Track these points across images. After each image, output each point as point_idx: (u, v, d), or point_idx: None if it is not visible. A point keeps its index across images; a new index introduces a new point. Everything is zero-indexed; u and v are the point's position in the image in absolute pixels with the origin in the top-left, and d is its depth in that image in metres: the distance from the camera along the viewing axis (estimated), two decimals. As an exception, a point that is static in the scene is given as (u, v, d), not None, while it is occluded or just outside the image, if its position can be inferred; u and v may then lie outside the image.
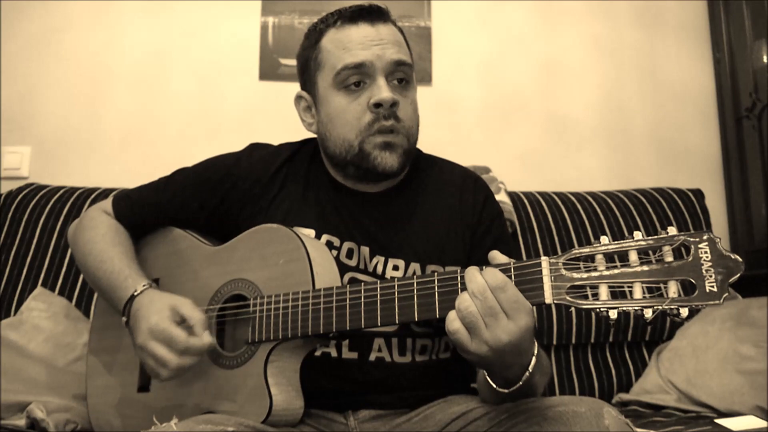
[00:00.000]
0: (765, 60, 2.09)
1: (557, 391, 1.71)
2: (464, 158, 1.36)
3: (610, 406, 0.84)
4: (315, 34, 1.10)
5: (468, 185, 1.16)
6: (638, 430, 1.06)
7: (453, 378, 1.10)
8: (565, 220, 1.86)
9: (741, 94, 2.20)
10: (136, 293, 1.03)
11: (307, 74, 1.12)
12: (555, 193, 1.94)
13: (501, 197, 1.83)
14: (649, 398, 1.59)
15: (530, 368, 0.83)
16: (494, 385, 0.85)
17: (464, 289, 0.78)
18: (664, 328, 1.78)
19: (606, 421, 0.80)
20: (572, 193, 1.95)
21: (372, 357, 1.04)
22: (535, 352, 0.83)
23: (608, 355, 1.78)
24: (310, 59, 1.10)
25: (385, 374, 1.04)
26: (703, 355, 1.56)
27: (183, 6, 2.20)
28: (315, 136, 1.17)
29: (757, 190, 2.11)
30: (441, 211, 1.12)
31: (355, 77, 1.04)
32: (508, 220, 1.77)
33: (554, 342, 1.75)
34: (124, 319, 1.04)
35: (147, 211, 1.18)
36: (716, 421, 1.37)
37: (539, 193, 1.94)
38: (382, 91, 1.02)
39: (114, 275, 1.08)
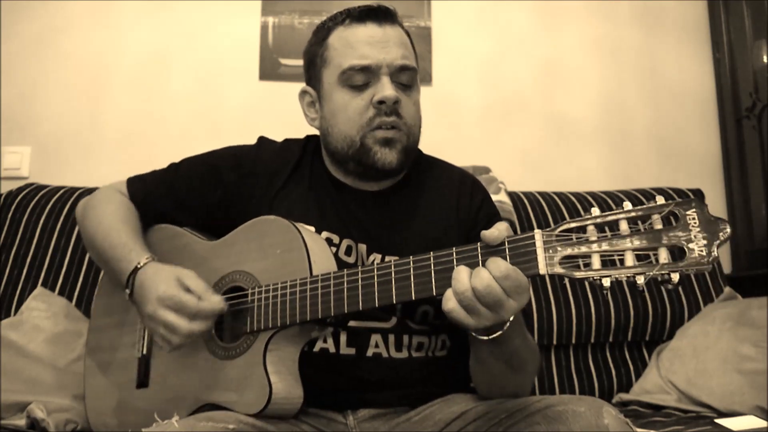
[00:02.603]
0: (765, 60, 2.09)
1: (557, 390, 1.71)
2: (464, 158, 1.36)
3: (610, 405, 0.84)
4: (323, 32, 1.11)
5: (465, 186, 1.17)
6: (638, 430, 1.06)
7: (451, 376, 1.10)
8: (565, 220, 1.85)
9: (741, 94, 2.20)
10: (139, 266, 1.04)
11: (313, 70, 1.13)
12: (555, 193, 1.95)
13: (501, 197, 1.83)
14: (649, 398, 1.59)
15: (510, 318, 0.83)
16: (473, 334, 0.86)
17: (459, 264, 0.80)
18: (664, 328, 1.78)
19: (606, 421, 0.80)
20: (572, 193, 1.95)
21: (369, 353, 1.04)
22: None
23: (608, 355, 1.78)
24: (316, 56, 1.11)
25: (383, 370, 1.04)
26: (703, 355, 1.56)
27: (183, 6, 2.20)
28: (317, 132, 1.18)
29: (757, 190, 2.11)
30: (438, 210, 1.13)
31: (360, 77, 1.05)
32: (508, 220, 1.77)
33: (554, 342, 1.75)
34: (127, 291, 1.05)
35: (160, 192, 1.19)
36: (716, 421, 1.36)
37: (539, 193, 1.94)
38: (386, 89, 1.04)
39: (119, 248, 1.09)
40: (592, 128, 2.27)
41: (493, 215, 1.17)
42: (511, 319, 0.83)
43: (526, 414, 0.86)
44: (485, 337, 0.85)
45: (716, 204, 2.20)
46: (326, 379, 1.03)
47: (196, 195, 1.17)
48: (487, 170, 1.96)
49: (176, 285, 0.97)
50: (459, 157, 1.28)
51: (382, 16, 1.08)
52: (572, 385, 1.73)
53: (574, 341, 1.76)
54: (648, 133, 2.29)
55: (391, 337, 1.05)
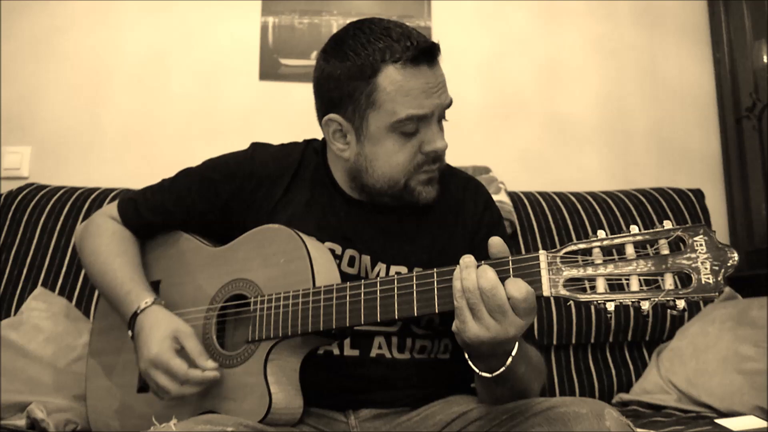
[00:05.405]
0: (765, 60, 2.09)
1: (557, 391, 1.71)
2: (464, 158, 1.36)
3: (612, 407, 0.84)
4: (367, 67, 1.00)
5: (469, 192, 1.18)
6: (639, 430, 1.06)
7: (453, 378, 1.10)
8: (565, 220, 1.86)
9: (741, 94, 2.20)
10: (138, 311, 1.04)
11: (351, 105, 1.03)
12: (555, 193, 1.94)
13: (501, 197, 1.83)
14: (649, 398, 1.59)
15: (513, 352, 0.84)
16: (476, 369, 0.87)
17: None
18: (664, 328, 1.78)
19: (607, 422, 0.80)
20: (572, 193, 1.95)
21: (372, 353, 1.04)
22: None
23: (608, 355, 1.78)
24: (359, 92, 1.01)
25: (386, 371, 1.04)
26: (703, 355, 1.56)
27: (183, 6, 2.20)
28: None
29: (757, 190, 2.11)
30: (443, 217, 1.13)
31: (413, 125, 1.02)
32: (508, 220, 1.77)
33: (554, 342, 1.74)
34: (130, 333, 1.06)
35: (153, 214, 1.17)
36: (716, 421, 1.36)
37: (539, 193, 1.94)
38: (438, 140, 1.04)
39: (116, 289, 1.09)
40: (592, 128, 2.27)
41: (496, 220, 1.17)
42: (514, 353, 0.84)
43: (528, 415, 0.86)
44: (488, 375, 0.85)
45: (716, 204, 2.20)
46: (329, 380, 1.03)
47: (193, 211, 1.15)
48: (487, 170, 1.96)
49: (169, 348, 0.99)
50: (459, 157, 1.27)
51: (433, 55, 1.03)
52: (572, 386, 1.73)
53: (574, 341, 1.76)
54: (648, 133, 2.29)
55: (395, 340, 1.05)
